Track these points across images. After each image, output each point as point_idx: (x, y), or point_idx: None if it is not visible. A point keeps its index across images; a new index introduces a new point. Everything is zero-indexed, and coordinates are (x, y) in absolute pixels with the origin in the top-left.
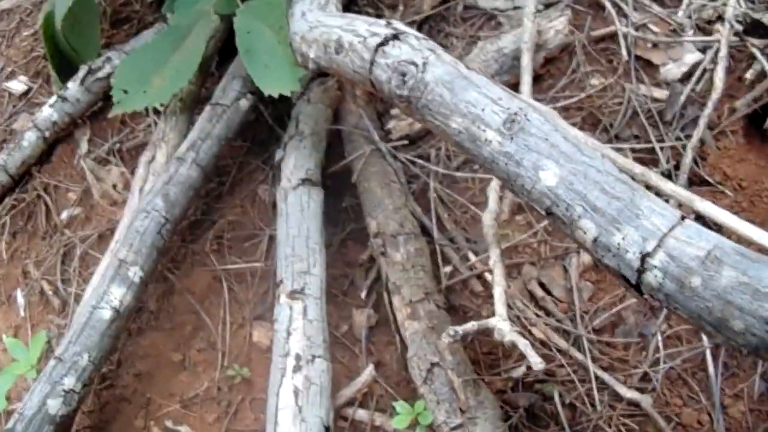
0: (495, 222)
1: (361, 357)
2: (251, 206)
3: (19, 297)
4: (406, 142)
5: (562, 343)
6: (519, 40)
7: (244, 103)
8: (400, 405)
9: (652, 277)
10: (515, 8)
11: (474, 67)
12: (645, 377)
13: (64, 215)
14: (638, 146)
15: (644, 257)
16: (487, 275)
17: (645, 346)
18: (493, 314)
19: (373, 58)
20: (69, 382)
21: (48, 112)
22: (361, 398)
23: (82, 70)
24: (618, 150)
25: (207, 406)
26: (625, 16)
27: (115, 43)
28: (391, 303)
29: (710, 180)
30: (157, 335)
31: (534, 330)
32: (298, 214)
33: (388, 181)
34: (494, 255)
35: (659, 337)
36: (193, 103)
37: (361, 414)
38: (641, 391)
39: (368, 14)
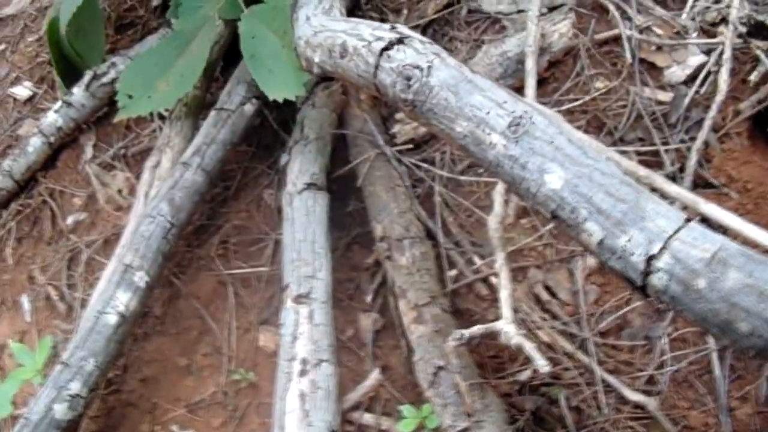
0: (500, 225)
1: (367, 361)
2: (256, 211)
3: (25, 302)
4: (410, 146)
5: (568, 346)
6: (523, 44)
7: (249, 108)
8: (406, 409)
9: (657, 280)
10: (519, 12)
11: (478, 71)
12: (651, 380)
13: (70, 220)
14: (643, 149)
15: (649, 259)
16: (493, 279)
17: (651, 348)
18: (498, 317)
19: (378, 62)
20: (75, 386)
21: (53, 118)
22: (367, 402)
23: (87, 76)
24: (623, 153)
25: (213, 411)
26: (629, 19)
27: (120, 48)
28: (396, 307)
29: (715, 182)
30: (163, 340)
31: (540, 333)
32: (303, 219)
33: (393, 185)
34: (500, 258)
35: (665, 340)
36: (198, 108)
37: (368, 418)
38: (647, 393)
39: (372, 19)
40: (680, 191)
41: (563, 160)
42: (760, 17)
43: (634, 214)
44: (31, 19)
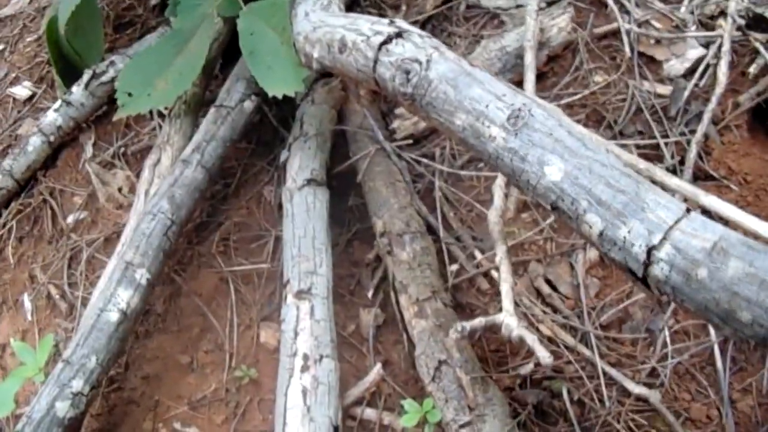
0: (501, 219)
1: (368, 356)
2: (257, 207)
3: (26, 301)
4: (410, 141)
5: (570, 340)
6: (522, 39)
7: (249, 105)
8: (408, 403)
9: (658, 270)
10: (518, 6)
11: (477, 64)
12: (653, 373)
13: (70, 219)
14: (642, 142)
15: (650, 250)
16: (494, 273)
17: (653, 341)
18: (500, 311)
19: (377, 56)
20: (77, 384)
21: (53, 117)
22: (369, 397)
23: (86, 75)
24: (622, 146)
25: (215, 408)
26: (628, 12)
27: (119, 47)
28: (398, 302)
29: (715, 175)
30: (164, 337)
31: (541, 327)
32: (303, 215)
33: (393, 180)
34: (500, 251)
35: (667, 333)
36: (197, 105)
37: (370, 413)
38: (649, 386)
39: (371, 15)
40: (680, 183)
41: (563, 152)
42: (759, 10)
43: (635, 205)
44: (30, 19)
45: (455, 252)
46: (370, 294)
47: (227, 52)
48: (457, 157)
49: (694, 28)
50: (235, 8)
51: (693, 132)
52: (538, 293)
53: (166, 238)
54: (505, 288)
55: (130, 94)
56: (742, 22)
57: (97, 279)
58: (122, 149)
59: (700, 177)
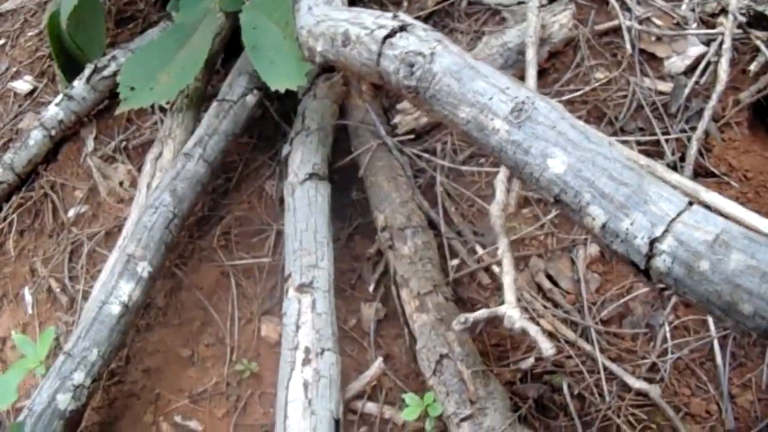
0: (503, 212)
1: (369, 350)
2: (258, 202)
3: (27, 295)
4: (412, 136)
5: (570, 335)
6: (523, 35)
7: (251, 99)
8: (409, 397)
9: (660, 262)
10: (519, 3)
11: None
12: (653, 367)
13: (71, 213)
14: (643, 139)
15: (653, 242)
16: (495, 268)
17: (653, 336)
18: (500, 306)
19: (381, 49)
20: (78, 377)
21: (54, 111)
22: (370, 391)
23: (88, 69)
24: (623, 142)
25: (216, 401)
26: (629, 9)
27: (120, 41)
28: (399, 296)
29: (716, 171)
30: (165, 331)
31: (542, 321)
32: (305, 209)
33: (395, 175)
34: (503, 244)
35: (667, 328)
36: (200, 99)
37: (371, 407)
38: (649, 381)
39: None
40: (681, 180)
41: (566, 145)
42: (760, 8)
43: (637, 198)
44: (31, 13)
45: (456, 246)
46: (371, 288)
47: (229, 47)
48: (459, 152)
49: (695, 25)
50: (237, 3)
51: (693, 129)
52: (539, 288)
53: (168, 231)
54: (508, 280)
55: (132, 88)
56: (743, 19)
57: (97, 273)
58: (123, 143)
59: (700, 174)
